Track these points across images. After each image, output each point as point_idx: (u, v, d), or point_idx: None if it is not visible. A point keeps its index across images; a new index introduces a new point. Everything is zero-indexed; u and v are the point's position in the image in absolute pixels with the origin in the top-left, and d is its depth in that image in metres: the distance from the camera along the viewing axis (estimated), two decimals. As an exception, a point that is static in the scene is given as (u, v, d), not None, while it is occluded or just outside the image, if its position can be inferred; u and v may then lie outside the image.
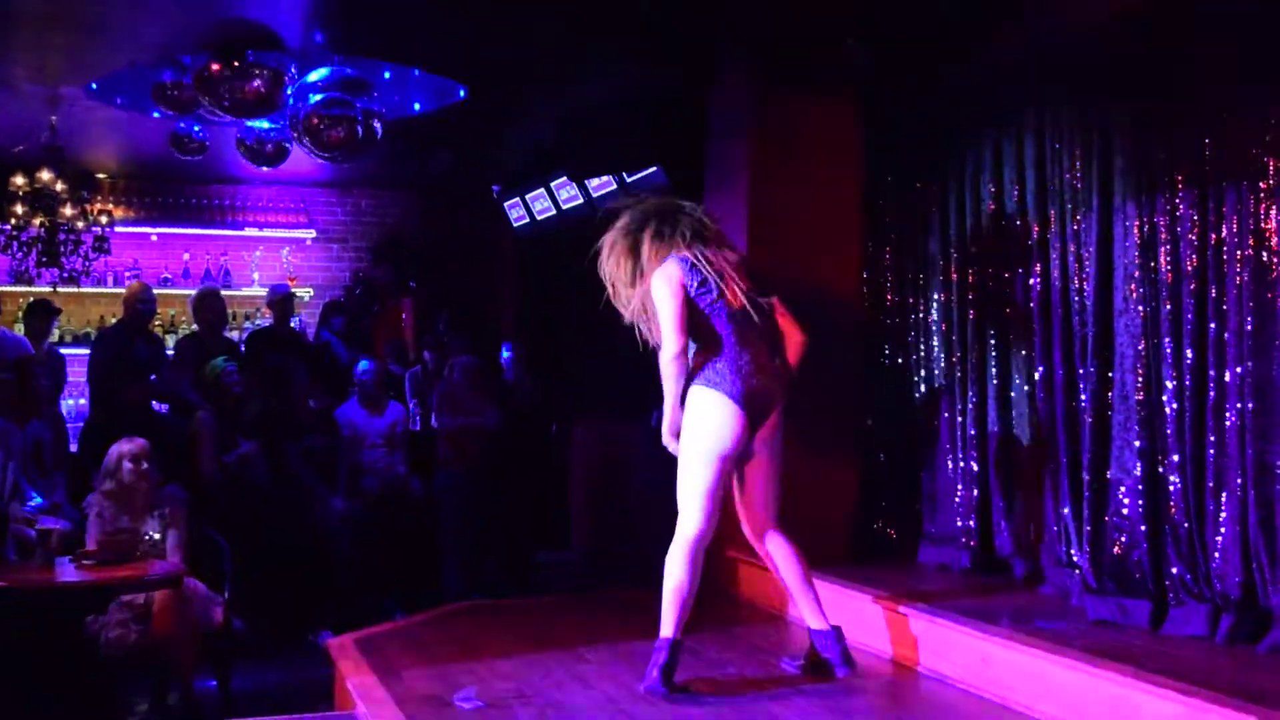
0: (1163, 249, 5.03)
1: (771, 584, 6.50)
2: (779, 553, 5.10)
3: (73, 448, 8.42)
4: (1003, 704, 4.69)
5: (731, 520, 7.06)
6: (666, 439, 4.98)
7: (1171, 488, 4.94)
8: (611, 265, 5.06)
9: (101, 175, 10.52)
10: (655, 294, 4.91)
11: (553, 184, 9.65)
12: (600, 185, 9.06)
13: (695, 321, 4.87)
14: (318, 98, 7.05)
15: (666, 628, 4.82)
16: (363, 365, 8.71)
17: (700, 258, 4.91)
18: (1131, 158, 5.20)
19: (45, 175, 8.83)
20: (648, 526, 8.42)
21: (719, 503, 4.93)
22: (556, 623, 6.22)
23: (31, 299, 9.44)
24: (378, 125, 7.15)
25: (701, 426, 4.85)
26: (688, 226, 4.98)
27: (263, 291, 10.35)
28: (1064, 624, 5.00)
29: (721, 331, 4.87)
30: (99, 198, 9.89)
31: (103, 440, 6.67)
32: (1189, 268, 4.92)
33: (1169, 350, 4.97)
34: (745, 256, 5.20)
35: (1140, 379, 5.08)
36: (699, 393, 4.86)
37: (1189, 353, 4.91)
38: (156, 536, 6.07)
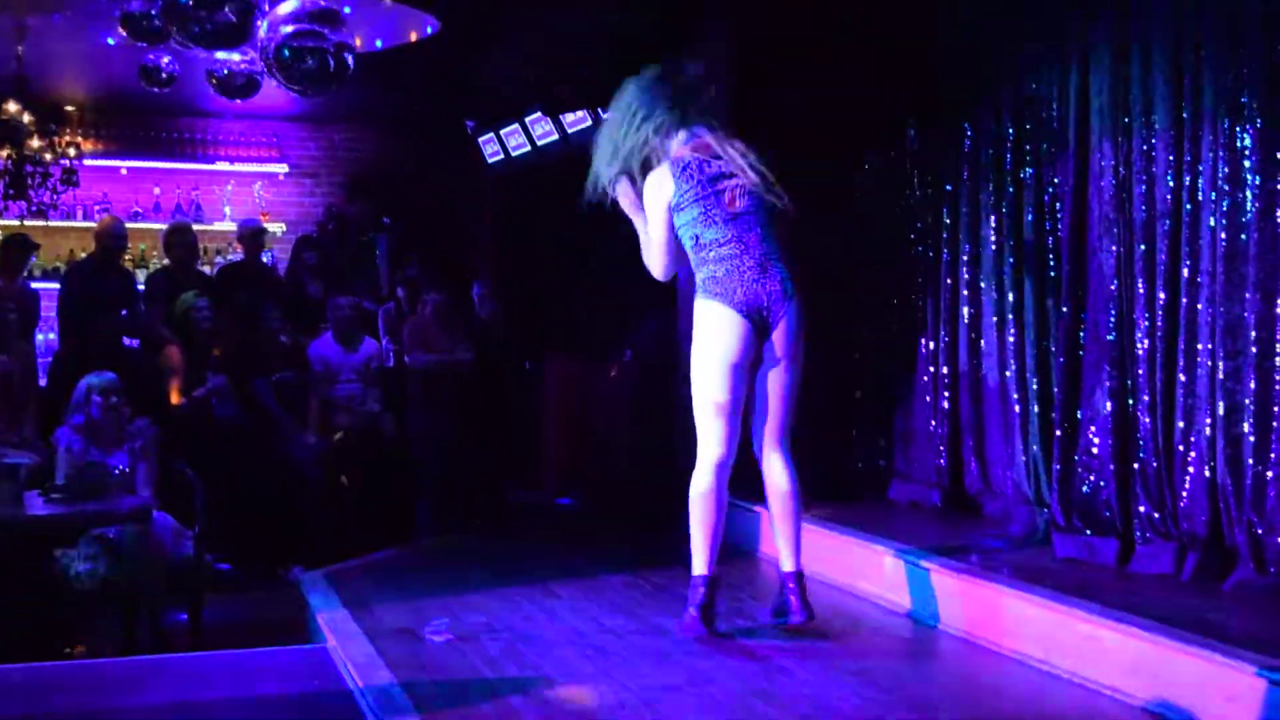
0: (1138, 189, 5.01)
1: (739, 519, 6.52)
2: (774, 477, 4.78)
3: (42, 382, 8.36)
4: (967, 639, 4.73)
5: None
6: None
7: (1141, 428, 4.96)
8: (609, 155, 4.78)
9: (70, 108, 10.34)
10: (646, 202, 4.73)
11: (528, 119, 9.57)
12: (576, 121, 8.98)
13: (691, 229, 4.66)
14: (288, 29, 6.95)
15: (699, 565, 4.61)
16: (338, 300, 8.66)
17: (696, 156, 4.65)
18: (1108, 97, 5.17)
19: (11, 107, 8.71)
20: (619, 464, 8.45)
21: (735, 421, 4.67)
22: (526, 558, 6.23)
23: (6, 234, 9.32)
24: (349, 57, 7.05)
25: (705, 337, 4.66)
26: (695, 111, 4.71)
27: (234, 226, 10.25)
28: (1031, 561, 5.04)
29: (719, 235, 4.61)
30: (67, 130, 9.74)
31: (72, 375, 6.62)
32: (1163, 208, 4.91)
33: (1142, 291, 4.97)
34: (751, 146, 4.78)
35: (1113, 319, 5.08)
36: (700, 304, 4.67)
37: (1161, 294, 4.90)
38: (126, 470, 6.05)
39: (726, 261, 4.61)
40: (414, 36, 7.96)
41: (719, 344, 4.62)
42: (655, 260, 4.82)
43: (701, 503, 4.66)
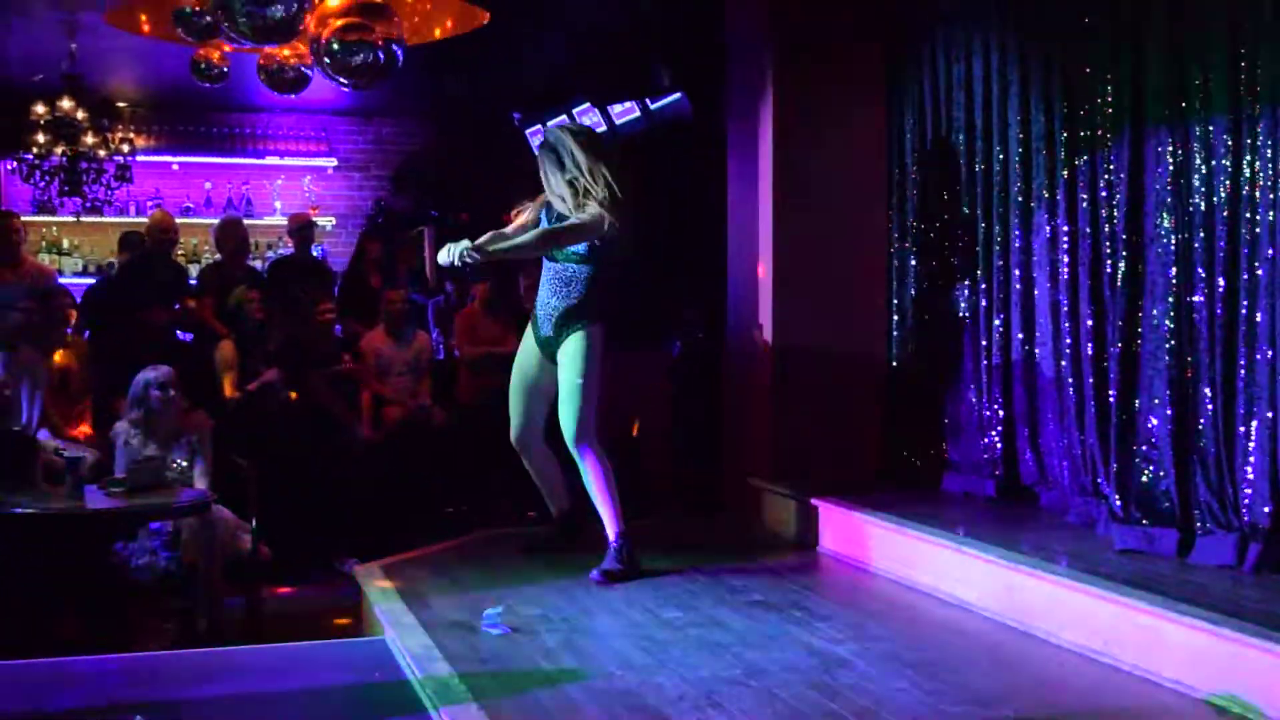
0: (1196, 175, 4.95)
1: (794, 513, 6.53)
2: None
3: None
4: (1027, 632, 4.70)
5: (754, 448, 7.11)
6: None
7: (1201, 417, 4.90)
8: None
9: (122, 104, 10.46)
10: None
11: (574, 110, 9.55)
12: (623, 112, 8.97)
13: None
14: (338, 23, 6.97)
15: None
16: (389, 293, 8.71)
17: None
18: (1163, 80, 5.11)
19: (66, 104, 8.82)
20: (663, 454, 8.45)
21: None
22: (578, 550, 6.24)
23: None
24: (399, 50, 7.08)
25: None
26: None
27: (284, 220, 10.33)
28: (1089, 552, 5.00)
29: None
30: (120, 126, 9.85)
31: (126, 369, 6.68)
32: (1223, 195, 4.84)
33: (1201, 279, 4.91)
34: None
35: (1170, 307, 5.03)
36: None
37: (1220, 281, 4.84)
38: (184, 464, 6.11)
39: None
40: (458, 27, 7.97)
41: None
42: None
43: None
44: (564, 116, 9.71)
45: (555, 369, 5.74)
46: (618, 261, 5.75)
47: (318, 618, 6.42)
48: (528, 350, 5.90)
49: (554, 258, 5.72)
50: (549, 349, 5.76)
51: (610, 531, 5.65)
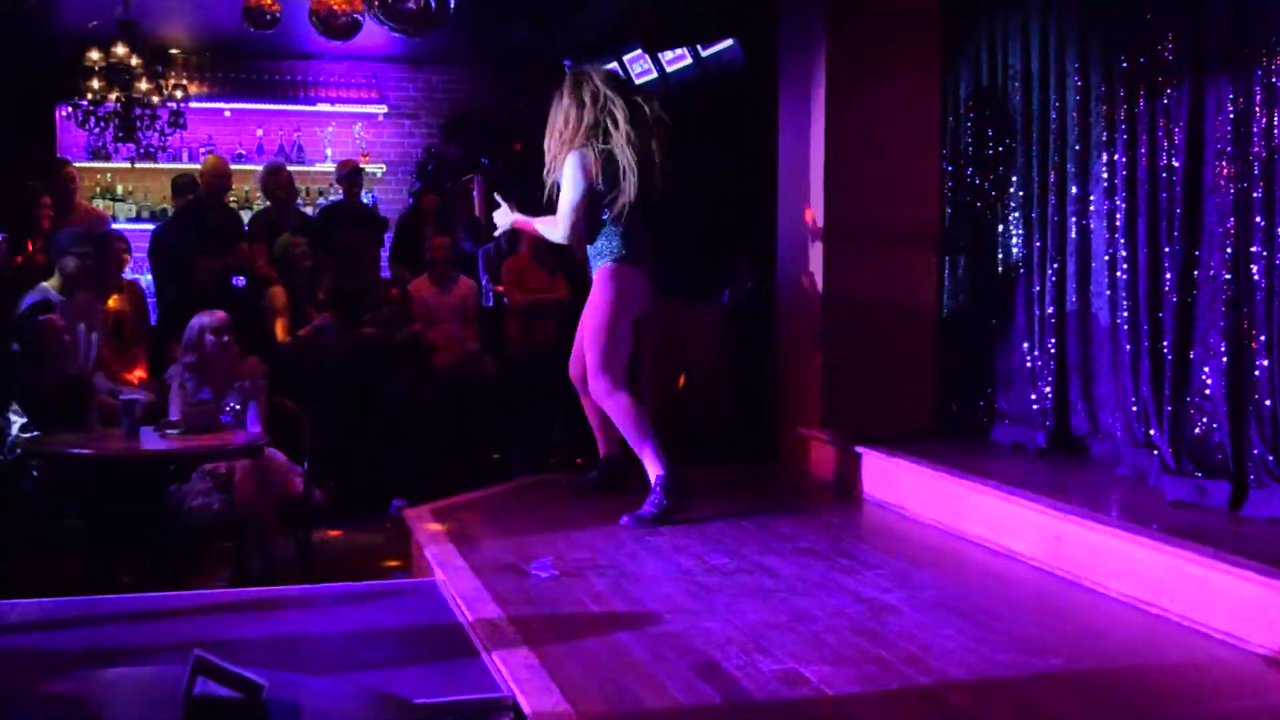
0: (1256, 124, 4.87)
1: (840, 460, 6.53)
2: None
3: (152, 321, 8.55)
4: (1074, 582, 4.69)
5: (805, 398, 7.09)
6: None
7: (1257, 370, 4.84)
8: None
9: (175, 51, 10.51)
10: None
11: (625, 57, 9.51)
12: (674, 59, 8.93)
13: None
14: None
15: None
16: (432, 240, 8.75)
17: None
18: (1224, 27, 5.02)
19: (120, 50, 8.86)
20: (716, 406, 8.45)
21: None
22: (627, 496, 6.27)
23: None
24: (450, -3, 7.08)
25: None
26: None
27: (334, 167, 10.36)
28: (1140, 503, 4.97)
29: None
30: (173, 73, 9.90)
31: (181, 313, 6.75)
32: (1283, 143, 4.77)
33: (1260, 228, 4.84)
34: None
35: (1229, 258, 4.96)
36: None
37: (1280, 231, 4.78)
38: (238, 408, 6.17)
39: None
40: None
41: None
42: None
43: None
44: (614, 64, 9.68)
45: None
46: (638, 204, 5.65)
47: (368, 560, 6.50)
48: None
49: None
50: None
51: (651, 474, 5.62)
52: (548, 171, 5.73)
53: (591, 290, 5.73)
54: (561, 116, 5.66)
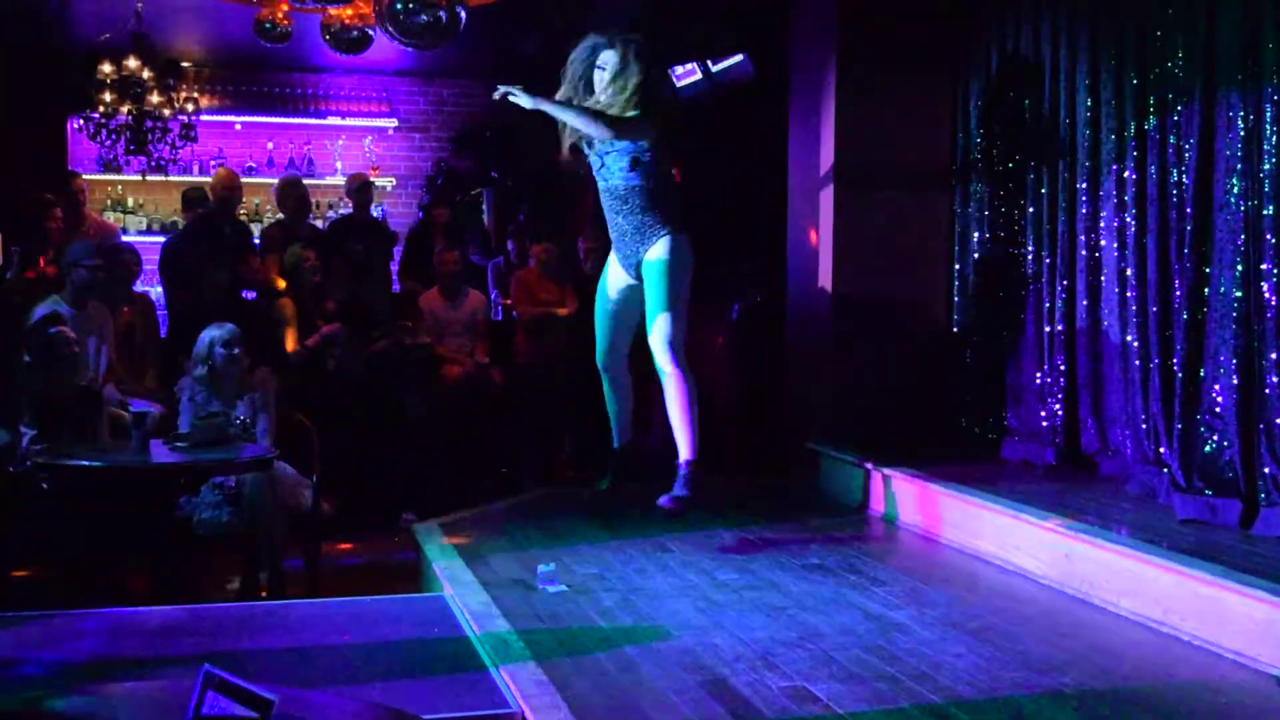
0: (1267, 141, 4.86)
1: (852, 477, 6.52)
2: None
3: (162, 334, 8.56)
4: (1084, 600, 4.68)
5: (814, 412, 7.08)
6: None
7: (1268, 388, 4.83)
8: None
9: (186, 64, 10.54)
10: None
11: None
12: (684, 74, 8.91)
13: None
14: (402, -16, 6.99)
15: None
16: (441, 254, 8.76)
17: None
18: (1236, 41, 5.02)
19: (132, 63, 8.88)
20: (721, 417, 8.43)
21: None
22: (635, 510, 6.26)
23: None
24: (461, 11, 7.09)
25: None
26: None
27: (344, 180, 10.38)
28: (1150, 522, 4.95)
29: None
30: (184, 86, 9.92)
31: (191, 326, 6.76)
32: (1294, 160, 4.76)
33: (1271, 246, 4.83)
34: None
35: (1239, 275, 4.95)
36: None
37: (1291, 249, 4.77)
38: (247, 420, 6.18)
39: None
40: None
41: None
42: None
43: None
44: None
45: (640, 291, 5.45)
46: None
47: (377, 574, 6.49)
48: (612, 278, 5.62)
49: (605, 178, 5.47)
50: (634, 266, 5.47)
51: (685, 452, 5.39)
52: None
53: (664, 255, 5.37)
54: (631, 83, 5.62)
